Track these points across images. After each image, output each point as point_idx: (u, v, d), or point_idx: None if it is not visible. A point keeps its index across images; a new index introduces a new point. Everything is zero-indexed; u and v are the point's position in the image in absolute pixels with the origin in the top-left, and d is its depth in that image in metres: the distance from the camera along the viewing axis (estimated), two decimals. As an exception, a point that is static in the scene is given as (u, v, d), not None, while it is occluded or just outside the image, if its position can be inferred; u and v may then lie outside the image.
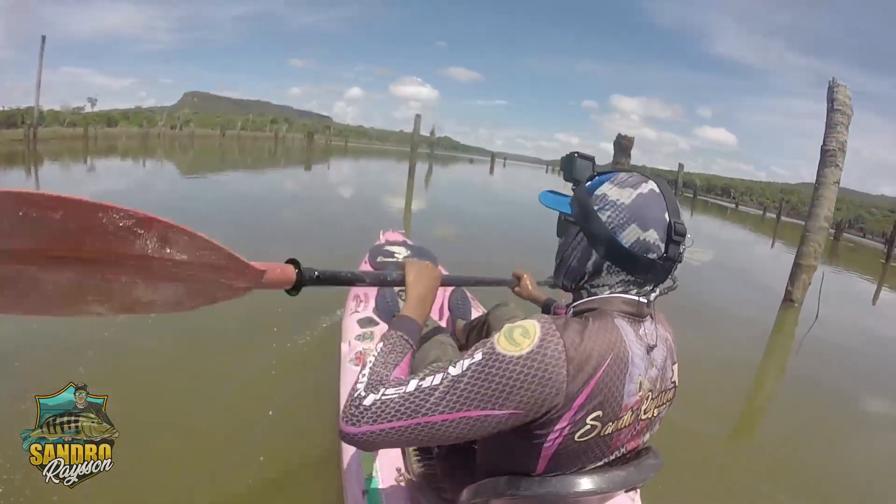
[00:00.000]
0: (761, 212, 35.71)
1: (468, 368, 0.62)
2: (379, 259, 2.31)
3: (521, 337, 0.62)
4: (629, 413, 0.68)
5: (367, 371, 0.68)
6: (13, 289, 0.47)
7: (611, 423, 0.66)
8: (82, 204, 0.46)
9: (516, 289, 1.46)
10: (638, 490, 1.03)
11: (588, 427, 0.65)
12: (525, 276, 1.47)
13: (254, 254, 0.58)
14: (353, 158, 31.15)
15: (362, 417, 0.62)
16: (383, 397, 0.62)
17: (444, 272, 2.28)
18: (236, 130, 38.92)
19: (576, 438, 0.65)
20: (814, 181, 5.38)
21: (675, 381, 0.78)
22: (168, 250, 0.54)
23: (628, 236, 0.69)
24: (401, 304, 1.90)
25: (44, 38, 16.45)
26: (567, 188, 0.89)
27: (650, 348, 0.72)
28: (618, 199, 0.71)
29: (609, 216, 0.70)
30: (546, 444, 0.66)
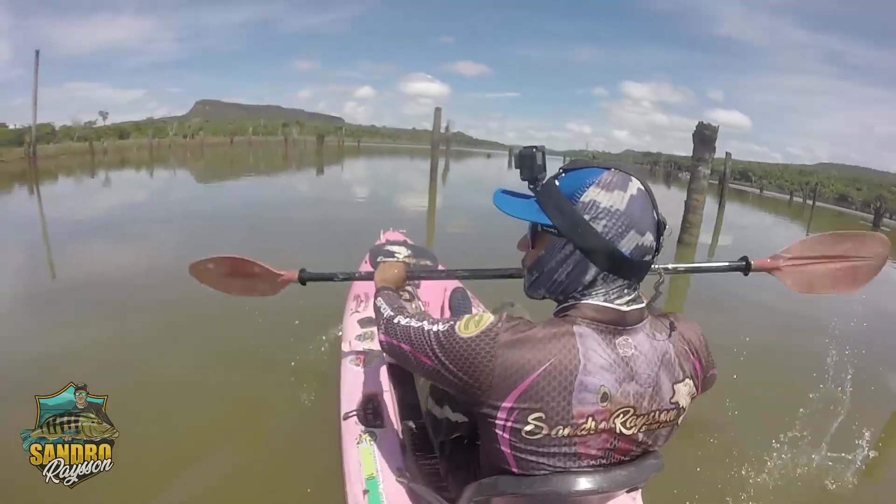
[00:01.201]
0: (788, 196, 33.38)
1: (437, 332, 0.74)
2: (379, 259, 2.30)
3: (473, 325, 0.70)
4: (589, 421, 0.66)
5: (385, 306, 0.92)
6: (223, 283, 1.47)
7: (561, 427, 0.66)
8: (235, 258, 1.46)
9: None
10: (639, 490, 1.02)
11: (532, 426, 0.66)
12: None
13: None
14: (367, 158, 31.30)
15: (395, 332, 0.83)
16: (406, 323, 0.82)
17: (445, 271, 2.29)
18: (248, 136, 39.23)
19: (523, 435, 0.67)
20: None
21: (676, 403, 0.72)
22: (256, 274, 1.46)
23: (628, 244, 0.67)
24: (401, 301, 1.88)
25: (37, 52, 16.16)
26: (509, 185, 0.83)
27: (629, 361, 0.68)
28: (611, 206, 0.67)
29: (605, 225, 0.67)
30: (500, 434, 0.68)
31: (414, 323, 0.80)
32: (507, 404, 0.66)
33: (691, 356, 0.74)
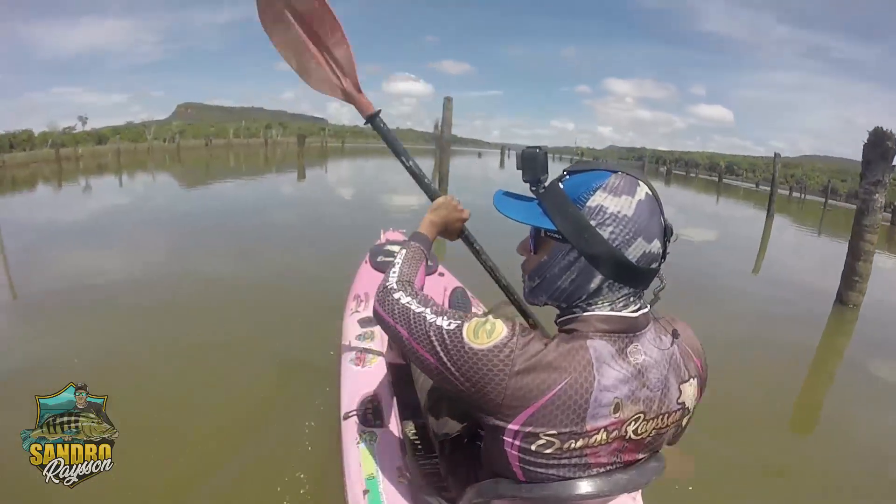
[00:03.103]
0: (787, 192, 32.57)
1: (442, 328, 0.69)
2: (379, 259, 2.30)
3: (484, 334, 0.65)
4: (602, 433, 0.65)
5: (396, 268, 0.86)
6: (282, 28, 1.11)
7: (574, 441, 0.65)
8: (324, 3, 1.08)
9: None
10: (640, 489, 1.03)
11: (544, 441, 0.64)
12: None
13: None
14: (351, 159, 30.98)
15: (391, 309, 0.77)
16: (406, 303, 0.76)
17: (446, 272, 2.30)
18: (228, 138, 38.38)
19: (533, 449, 0.65)
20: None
21: (682, 403, 0.72)
22: (334, 50, 1.13)
23: (635, 251, 0.65)
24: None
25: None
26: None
27: (641, 368, 0.67)
28: (619, 212, 0.64)
29: (612, 232, 0.65)
30: (508, 450, 0.66)
31: (415, 306, 0.74)
32: (515, 426, 0.64)
33: (693, 356, 0.75)
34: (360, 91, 1.17)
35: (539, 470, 0.67)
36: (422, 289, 0.87)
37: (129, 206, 8.79)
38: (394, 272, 0.85)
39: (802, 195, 31.36)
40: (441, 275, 2.32)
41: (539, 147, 0.75)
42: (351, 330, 1.70)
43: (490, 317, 0.69)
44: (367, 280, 2.13)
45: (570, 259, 0.68)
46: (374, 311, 0.81)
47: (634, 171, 0.69)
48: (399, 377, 1.39)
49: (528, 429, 0.63)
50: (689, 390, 0.73)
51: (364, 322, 1.71)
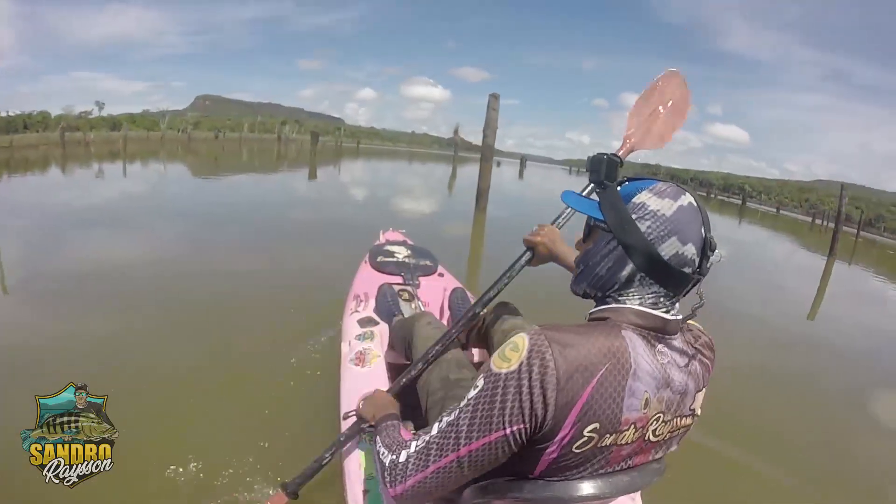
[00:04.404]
0: (809, 219, 31.74)
1: (476, 397, 0.66)
2: (379, 259, 2.30)
3: (511, 352, 0.65)
4: (631, 429, 0.66)
5: (382, 450, 0.80)
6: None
7: (609, 436, 0.65)
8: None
9: (533, 262, 1.22)
10: (640, 491, 1.02)
11: (585, 439, 0.64)
12: (540, 238, 1.18)
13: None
14: (366, 160, 30.93)
15: (405, 472, 0.72)
16: (415, 450, 0.72)
17: (445, 272, 2.29)
18: (243, 133, 38.51)
19: (574, 449, 0.65)
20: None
21: (693, 409, 0.75)
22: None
23: (667, 249, 0.68)
24: (401, 303, 1.89)
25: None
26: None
27: (666, 368, 0.69)
28: (658, 210, 0.69)
29: (649, 226, 0.69)
30: (547, 453, 0.66)
31: (421, 440, 0.72)
32: (573, 413, 0.63)
33: (710, 366, 0.77)
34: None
35: (568, 467, 0.67)
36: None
37: (111, 202, 7.79)
38: (384, 457, 0.78)
39: (824, 222, 30.14)
40: (441, 275, 2.31)
41: (607, 154, 0.85)
42: (350, 330, 1.70)
43: (508, 338, 0.68)
44: (366, 280, 2.13)
45: (611, 247, 0.72)
46: (400, 497, 0.74)
47: (685, 186, 0.73)
48: (399, 377, 1.38)
49: (578, 423, 0.63)
50: (701, 398, 0.76)
51: (364, 322, 1.71)
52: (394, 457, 0.75)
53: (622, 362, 0.64)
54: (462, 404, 0.68)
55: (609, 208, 0.73)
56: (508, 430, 0.64)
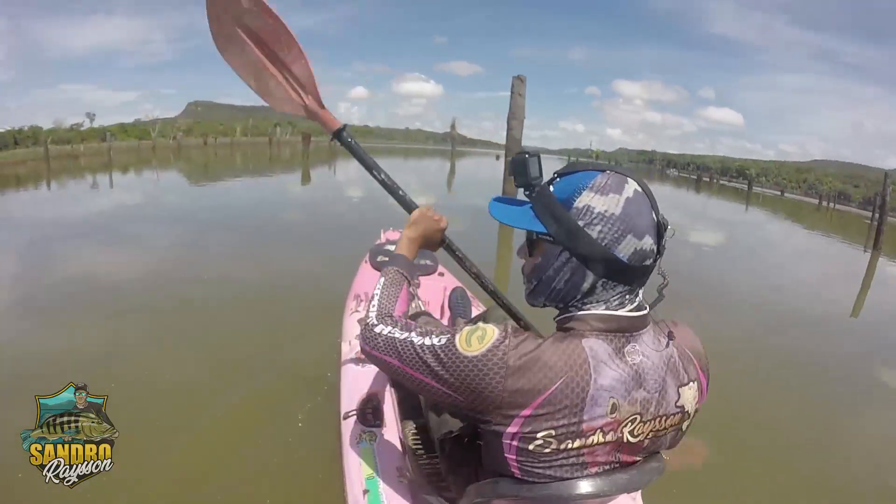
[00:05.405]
0: (815, 201, 30.18)
1: (433, 346, 0.69)
2: (379, 258, 2.30)
3: (476, 340, 0.66)
4: (598, 433, 0.66)
5: (375, 301, 0.83)
6: (236, 48, 1.04)
7: (571, 440, 0.65)
8: (278, 20, 0.99)
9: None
10: (640, 490, 1.02)
11: (541, 441, 0.64)
12: None
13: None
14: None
15: (375, 343, 0.76)
16: (389, 333, 0.75)
17: (446, 271, 2.29)
18: (233, 137, 37.98)
19: (531, 449, 0.65)
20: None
21: (681, 406, 0.71)
22: (292, 66, 1.06)
23: (625, 249, 0.65)
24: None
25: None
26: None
27: (638, 368, 0.67)
28: (606, 211, 0.65)
29: (600, 231, 0.65)
30: (505, 449, 0.66)
31: (398, 334, 0.74)
32: (514, 428, 0.64)
33: (694, 360, 0.74)
34: (322, 107, 1.12)
35: (537, 469, 0.67)
36: (405, 314, 0.86)
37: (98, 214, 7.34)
38: (373, 306, 0.83)
39: (830, 204, 29.51)
40: (441, 275, 2.31)
41: (528, 152, 0.77)
42: (350, 330, 1.70)
43: (480, 323, 0.69)
44: (366, 280, 2.14)
45: (563, 260, 0.69)
46: (362, 351, 0.80)
47: (624, 169, 0.69)
48: None
49: (527, 429, 0.64)
50: (689, 394, 0.72)
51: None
52: (374, 320, 0.79)
53: (580, 375, 0.63)
54: (427, 342, 0.70)
55: (550, 218, 0.69)
56: (446, 390, 0.67)
